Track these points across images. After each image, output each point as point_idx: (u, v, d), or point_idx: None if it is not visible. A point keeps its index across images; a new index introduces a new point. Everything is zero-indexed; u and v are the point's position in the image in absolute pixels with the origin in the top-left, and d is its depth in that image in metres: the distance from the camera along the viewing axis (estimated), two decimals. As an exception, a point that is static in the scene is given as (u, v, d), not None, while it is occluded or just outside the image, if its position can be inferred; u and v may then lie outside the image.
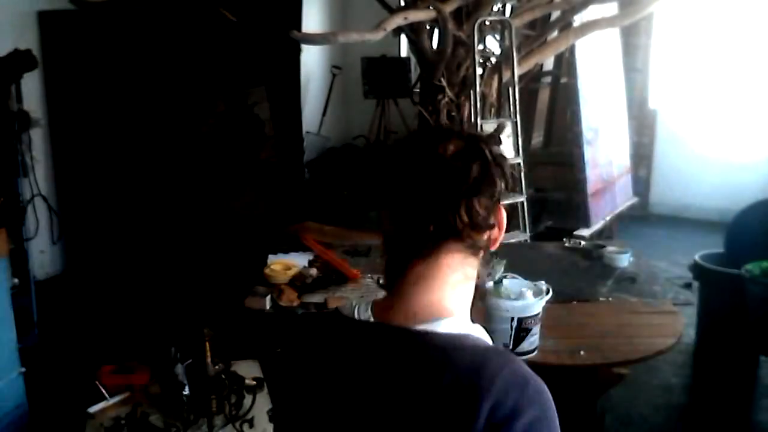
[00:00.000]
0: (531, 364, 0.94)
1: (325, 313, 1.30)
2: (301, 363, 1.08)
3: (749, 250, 3.59)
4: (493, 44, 4.67)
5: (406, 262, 0.98)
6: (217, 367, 2.17)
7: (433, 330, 0.94)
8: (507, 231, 1.08)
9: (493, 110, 4.49)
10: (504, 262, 2.66)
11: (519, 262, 3.18)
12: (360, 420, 0.95)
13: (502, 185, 0.98)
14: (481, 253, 1.01)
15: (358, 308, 1.03)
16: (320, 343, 1.06)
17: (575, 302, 2.69)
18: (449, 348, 0.91)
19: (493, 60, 4.50)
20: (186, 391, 2.16)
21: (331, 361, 1.02)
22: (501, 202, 1.00)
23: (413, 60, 6.17)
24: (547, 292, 2.22)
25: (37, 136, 4.18)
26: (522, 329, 2.15)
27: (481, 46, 4.34)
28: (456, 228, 0.94)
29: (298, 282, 2.96)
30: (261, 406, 2.16)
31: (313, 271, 3.05)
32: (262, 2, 4.93)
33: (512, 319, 2.15)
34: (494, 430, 0.84)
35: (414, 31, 4.31)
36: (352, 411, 0.96)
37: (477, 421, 0.84)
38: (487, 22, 4.37)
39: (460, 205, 0.94)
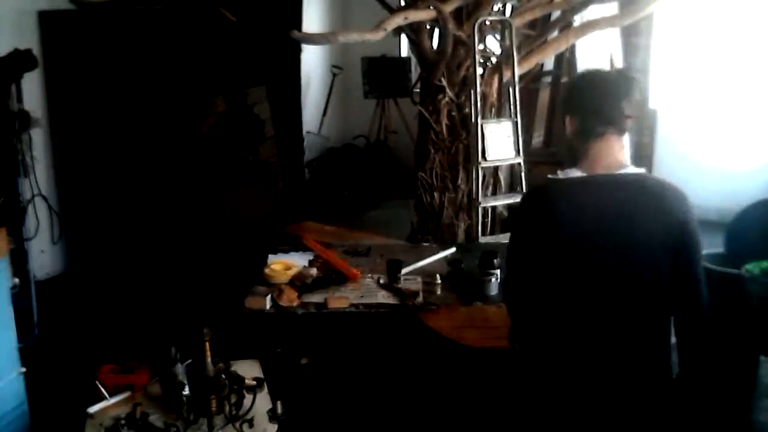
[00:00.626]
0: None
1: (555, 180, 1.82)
2: (564, 201, 1.75)
3: (749, 250, 3.59)
4: (493, 44, 4.67)
5: (603, 134, 1.81)
6: (217, 367, 2.16)
7: (638, 171, 1.83)
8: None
9: (493, 110, 4.49)
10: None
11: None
12: (619, 223, 1.70)
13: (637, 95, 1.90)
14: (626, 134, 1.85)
15: (564, 173, 1.81)
16: (574, 190, 1.77)
17: (575, 302, 2.68)
18: (651, 177, 1.84)
19: (494, 60, 4.50)
20: (186, 391, 2.15)
21: (586, 198, 1.74)
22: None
23: (413, 60, 6.18)
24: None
25: (38, 136, 4.18)
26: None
27: (481, 46, 4.34)
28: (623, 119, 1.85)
29: (298, 282, 2.96)
30: (261, 406, 2.16)
31: (313, 271, 3.05)
32: (262, 2, 4.93)
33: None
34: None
35: (414, 31, 4.31)
36: (613, 222, 1.70)
37: (688, 211, 1.74)
38: (488, 22, 4.36)
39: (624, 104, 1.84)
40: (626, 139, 1.85)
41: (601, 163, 1.79)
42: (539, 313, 1.82)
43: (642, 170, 1.81)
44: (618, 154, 1.82)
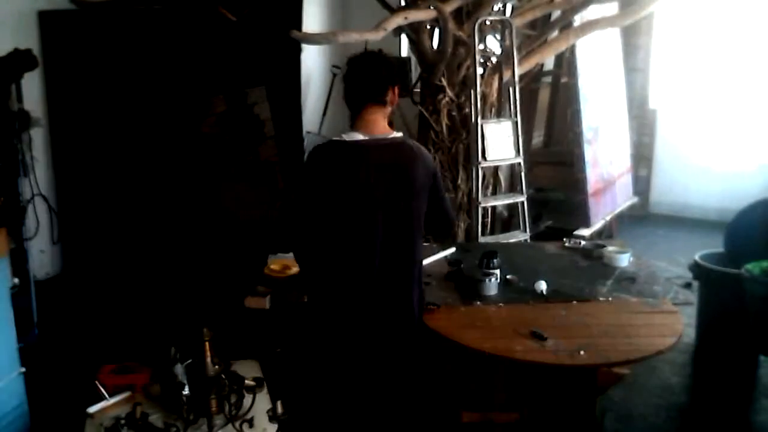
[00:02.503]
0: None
1: (332, 141, 2.25)
2: (330, 162, 2.20)
3: (749, 250, 3.59)
4: (493, 44, 4.67)
5: (365, 105, 2.24)
6: (217, 367, 2.16)
7: (395, 135, 2.27)
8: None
9: (493, 110, 4.49)
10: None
11: (519, 261, 3.18)
12: (380, 182, 2.18)
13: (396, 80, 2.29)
14: (389, 106, 2.29)
15: (348, 135, 2.22)
16: (335, 153, 2.21)
17: (575, 302, 2.69)
18: (408, 141, 2.31)
19: (494, 60, 4.50)
20: (186, 391, 2.15)
21: (354, 158, 2.18)
22: (396, 86, 2.30)
23: (413, 60, 6.17)
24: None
25: (38, 136, 4.18)
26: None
27: (481, 46, 4.34)
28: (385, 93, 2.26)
29: (298, 282, 2.96)
30: (261, 406, 2.16)
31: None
32: (262, 2, 4.92)
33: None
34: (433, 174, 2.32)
35: (414, 31, 4.31)
36: (373, 180, 2.18)
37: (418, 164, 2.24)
38: (488, 22, 4.37)
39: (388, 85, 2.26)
40: (388, 109, 2.29)
41: (372, 128, 2.23)
42: (321, 259, 2.27)
43: (400, 134, 2.28)
44: (382, 121, 2.27)
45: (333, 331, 2.31)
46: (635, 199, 6.06)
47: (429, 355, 2.71)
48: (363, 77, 2.25)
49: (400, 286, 2.29)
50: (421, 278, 2.40)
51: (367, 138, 2.20)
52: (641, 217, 6.29)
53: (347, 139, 2.21)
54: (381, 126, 2.25)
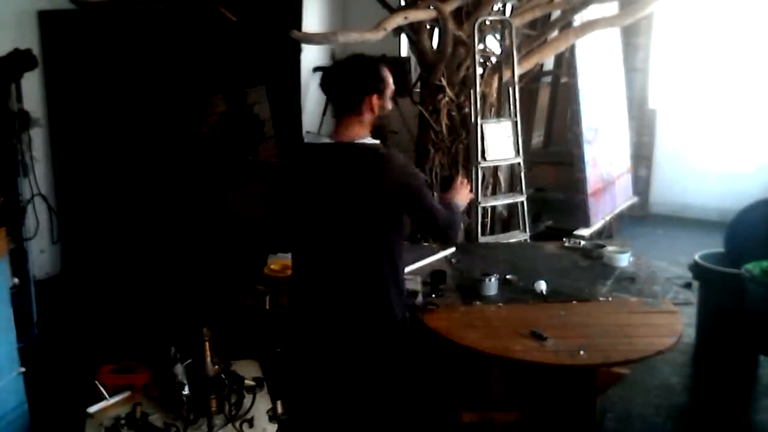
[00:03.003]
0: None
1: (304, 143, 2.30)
2: (295, 162, 2.25)
3: (749, 250, 3.59)
4: (493, 44, 4.67)
5: (342, 116, 2.20)
6: (217, 367, 2.16)
7: (366, 141, 2.19)
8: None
9: (493, 110, 4.49)
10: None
11: (519, 261, 3.18)
12: (333, 184, 2.16)
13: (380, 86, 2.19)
14: (369, 115, 2.20)
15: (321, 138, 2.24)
16: (306, 154, 2.24)
17: (575, 302, 2.69)
18: (381, 150, 2.18)
19: (494, 60, 4.50)
20: (186, 391, 2.15)
21: (313, 159, 2.21)
22: (373, 95, 2.17)
23: (413, 60, 6.17)
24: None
25: (37, 136, 4.18)
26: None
27: (481, 46, 4.34)
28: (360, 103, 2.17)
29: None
30: (261, 406, 2.16)
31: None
32: (262, 2, 4.93)
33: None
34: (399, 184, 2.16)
35: (414, 31, 4.31)
36: (327, 182, 2.17)
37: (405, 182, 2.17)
38: (488, 22, 4.37)
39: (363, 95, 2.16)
40: (367, 118, 2.19)
41: (342, 134, 2.19)
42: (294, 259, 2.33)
43: (377, 141, 2.20)
44: (358, 128, 2.19)
45: (304, 333, 2.33)
46: (635, 199, 6.06)
47: (420, 355, 2.71)
48: (334, 90, 2.20)
49: (370, 287, 2.22)
50: (399, 279, 2.31)
51: (332, 142, 2.20)
52: (641, 217, 6.29)
53: (314, 142, 2.26)
54: (353, 132, 2.18)
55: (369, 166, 2.15)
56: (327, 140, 2.20)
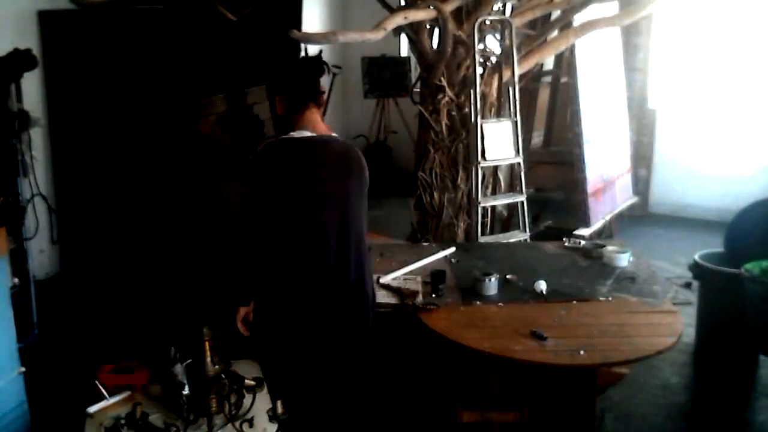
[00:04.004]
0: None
1: (282, 139, 2.36)
2: (282, 158, 2.29)
3: (749, 250, 3.59)
4: (493, 44, 4.67)
5: (304, 106, 2.36)
6: (217, 367, 2.16)
7: (335, 135, 2.38)
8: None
9: (493, 110, 4.49)
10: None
11: (519, 261, 3.18)
12: (331, 176, 2.28)
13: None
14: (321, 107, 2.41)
15: (293, 133, 2.36)
16: (289, 149, 2.31)
17: (575, 302, 2.69)
18: (341, 141, 2.39)
19: (494, 59, 4.50)
20: (186, 391, 2.15)
21: (305, 153, 2.29)
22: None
23: (413, 59, 6.17)
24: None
25: (37, 136, 4.19)
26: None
27: (481, 46, 4.34)
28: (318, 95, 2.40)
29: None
30: (261, 406, 2.16)
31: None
32: (262, 2, 4.92)
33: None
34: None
35: (414, 31, 4.31)
36: (325, 175, 2.27)
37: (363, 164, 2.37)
38: (488, 22, 4.36)
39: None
40: (321, 109, 2.41)
41: (316, 127, 2.32)
42: (274, 260, 2.30)
43: (335, 134, 2.38)
44: (322, 122, 2.36)
45: (291, 329, 2.34)
46: (635, 199, 6.06)
47: (420, 354, 2.75)
48: (304, 78, 2.37)
49: (356, 277, 2.33)
50: (371, 267, 2.45)
51: (315, 135, 2.30)
52: (641, 217, 6.29)
53: (297, 136, 2.31)
54: (323, 126, 2.34)
55: (356, 157, 2.36)
56: (308, 134, 2.30)
